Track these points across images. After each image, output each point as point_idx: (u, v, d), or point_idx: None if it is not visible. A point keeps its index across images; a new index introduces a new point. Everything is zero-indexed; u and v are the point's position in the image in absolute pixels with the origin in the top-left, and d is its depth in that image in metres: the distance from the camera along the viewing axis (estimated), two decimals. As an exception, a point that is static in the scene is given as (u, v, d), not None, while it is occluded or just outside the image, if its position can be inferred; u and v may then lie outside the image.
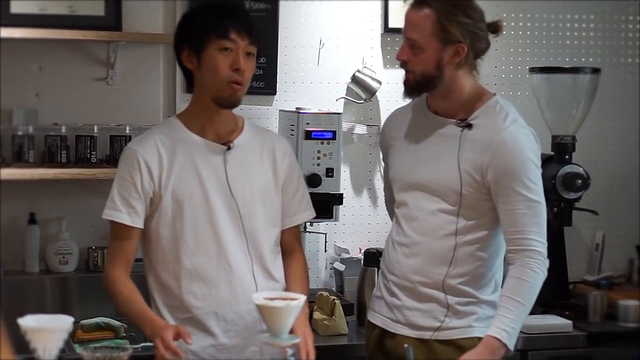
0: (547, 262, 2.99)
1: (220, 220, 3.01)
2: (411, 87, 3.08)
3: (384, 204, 4.38)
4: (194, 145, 3.02)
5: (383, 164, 3.40)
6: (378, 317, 3.19)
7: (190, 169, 3.00)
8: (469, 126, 3.03)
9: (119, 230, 3.00)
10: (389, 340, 3.15)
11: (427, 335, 3.07)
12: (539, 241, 2.98)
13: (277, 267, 3.10)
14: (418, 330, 3.09)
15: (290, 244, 3.17)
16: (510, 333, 2.92)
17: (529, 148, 3.00)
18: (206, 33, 2.96)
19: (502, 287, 3.09)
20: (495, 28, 3.08)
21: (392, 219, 3.39)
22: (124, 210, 2.98)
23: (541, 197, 3.00)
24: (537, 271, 2.96)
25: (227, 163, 3.03)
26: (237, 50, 2.97)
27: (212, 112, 3.03)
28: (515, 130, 3.00)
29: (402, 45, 3.06)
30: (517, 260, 2.97)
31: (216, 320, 3.01)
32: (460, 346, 3.02)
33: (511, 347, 2.93)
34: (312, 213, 3.23)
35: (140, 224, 3.00)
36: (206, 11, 3.00)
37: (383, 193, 4.37)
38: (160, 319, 2.97)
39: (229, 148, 3.04)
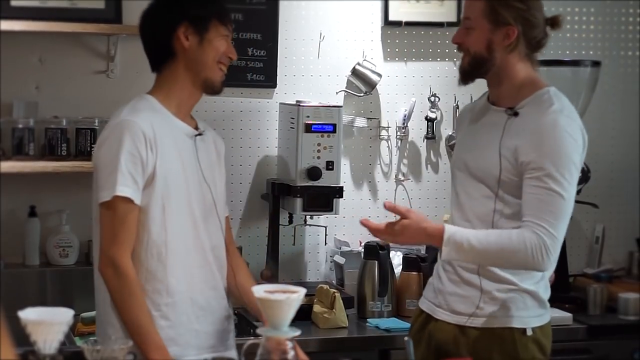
0: (547, 255, 2.86)
1: (195, 205, 2.99)
2: (465, 72, 3.10)
3: (385, 197, 4.41)
4: (173, 125, 3.00)
5: None
6: (426, 302, 3.19)
7: (174, 151, 2.96)
8: (516, 114, 3.01)
9: (125, 209, 2.85)
10: (432, 324, 3.13)
11: (463, 320, 3.05)
12: (550, 232, 2.87)
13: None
14: (457, 315, 3.07)
15: (229, 236, 3.18)
16: (456, 241, 2.85)
17: (568, 137, 2.93)
18: (212, 16, 2.99)
19: (548, 279, 3.09)
20: (554, 22, 3.10)
21: None
22: (132, 187, 2.86)
23: (565, 192, 2.89)
24: (527, 243, 2.85)
25: (198, 148, 3.03)
26: (229, 37, 3.05)
27: (190, 93, 3.04)
28: (556, 118, 2.94)
29: (459, 29, 3.11)
30: (524, 229, 2.88)
31: (191, 305, 2.99)
32: (496, 335, 2.99)
33: (443, 250, 2.86)
34: (228, 209, 3.25)
35: (140, 203, 2.91)
36: None
37: (383, 186, 4.41)
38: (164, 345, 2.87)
39: (200, 134, 3.05)
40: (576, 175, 2.95)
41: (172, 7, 3.04)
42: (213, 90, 3.05)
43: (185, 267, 2.97)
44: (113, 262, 2.86)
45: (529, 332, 3.03)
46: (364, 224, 2.92)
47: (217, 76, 3.03)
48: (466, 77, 3.11)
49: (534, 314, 3.04)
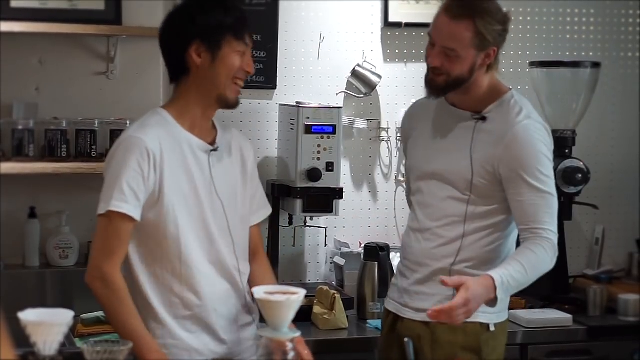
0: (555, 252, 3.04)
1: (210, 219, 2.98)
2: (438, 88, 3.11)
3: (385, 198, 4.41)
4: (185, 141, 2.97)
5: (404, 155, 3.43)
6: (391, 303, 3.26)
7: (183, 167, 2.96)
8: (483, 119, 3.10)
9: (120, 224, 2.88)
10: (400, 323, 3.20)
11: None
12: (552, 231, 3.03)
13: (247, 266, 3.11)
14: (423, 313, 3.08)
15: (256, 243, 3.18)
16: (505, 284, 2.90)
17: (541, 141, 3.06)
18: (225, 33, 2.92)
19: None
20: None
21: (410, 209, 3.42)
22: (132, 203, 2.87)
23: (553, 190, 3.06)
24: (547, 250, 3.00)
25: (212, 163, 3.01)
26: (247, 53, 2.97)
27: (205, 108, 3.00)
28: (528, 124, 3.06)
29: (435, 52, 3.08)
30: (529, 238, 3.02)
31: (215, 316, 2.99)
32: (460, 330, 3.04)
33: (499, 296, 2.89)
34: (270, 209, 3.25)
35: (140, 218, 2.92)
36: (220, 5, 2.95)
37: (383, 187, 4.40)
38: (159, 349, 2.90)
39: (215, 149, 3.02)
40: (552, 167, 3.09)
41: (185, 23, 2.97)
42: (227, 106, 3.02)
43: (204, 280, 2.97)
44: (102, 275, 2.89)
45: (492, 328, 3.12)
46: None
47: (232, 93, 2.98)
48: (439, 92, 3.14)
49: (497, 310, 3.07)
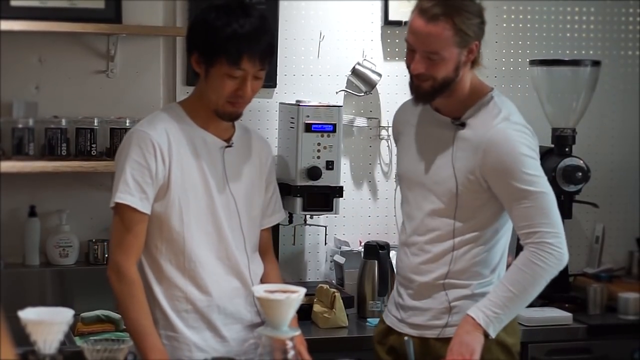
0: (558, 253, 2.93)
1: (221, 215, 3.00)
2: (426, 94, 3.00)
3: (385, 197, 4.40)
4: (198, 138, 2.99)
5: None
6: (389, 316, 3.20)
7: (194, 162, 2.97)
8: (462, 125, 3.01)
9: (130, 217, 2.90)
10: (394, 336, 3.15)
11: (427, 334, 3.07)
12: (549, 232, 2.92)
13: (260, 266, 3.12)
14: (419, 329, 3.08)
15: (266, 245, 3.18)
16: (490, 316, 2.89)
17: (520, 142, 2.95)
18: (218, 54, 2.88)
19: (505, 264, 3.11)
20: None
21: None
22: (137, 195, 2.89)
23: (545, 187, 2.95)
24: (540, 264, 2.91)
25: (226, 160, 3.03)
26: (246, 77, 2.91)
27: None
28: (504, 128, 2.96)
29: (417, 59, 2.95)
30: (525, 250, 2.95)
31: (218, 313, 3.00)
32: None
33: (490, 332, 2.89)
34: (284, 214, 3.26)
35: (149, 211, 2.93)
36: (224, 25, 2.88)
37: (383, 186, 4.41)
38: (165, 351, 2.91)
39: (229, 145, 3.03)
40: (539, 163, 2.99)
41: (191, 30, 2.99)
42: (223, 120, 3.01)
43: (209, 276, 2.98)
44: (117, 268, 2.92)
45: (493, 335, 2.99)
46: None
47: (226, 110, 2.96)
48: (426, 98, 3.03)
49: None
